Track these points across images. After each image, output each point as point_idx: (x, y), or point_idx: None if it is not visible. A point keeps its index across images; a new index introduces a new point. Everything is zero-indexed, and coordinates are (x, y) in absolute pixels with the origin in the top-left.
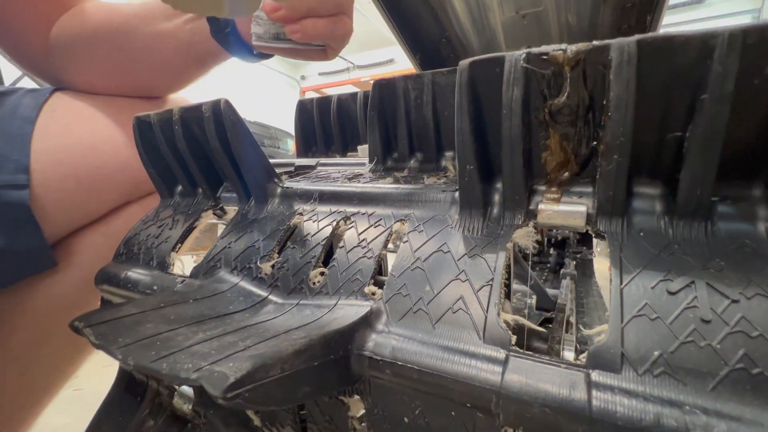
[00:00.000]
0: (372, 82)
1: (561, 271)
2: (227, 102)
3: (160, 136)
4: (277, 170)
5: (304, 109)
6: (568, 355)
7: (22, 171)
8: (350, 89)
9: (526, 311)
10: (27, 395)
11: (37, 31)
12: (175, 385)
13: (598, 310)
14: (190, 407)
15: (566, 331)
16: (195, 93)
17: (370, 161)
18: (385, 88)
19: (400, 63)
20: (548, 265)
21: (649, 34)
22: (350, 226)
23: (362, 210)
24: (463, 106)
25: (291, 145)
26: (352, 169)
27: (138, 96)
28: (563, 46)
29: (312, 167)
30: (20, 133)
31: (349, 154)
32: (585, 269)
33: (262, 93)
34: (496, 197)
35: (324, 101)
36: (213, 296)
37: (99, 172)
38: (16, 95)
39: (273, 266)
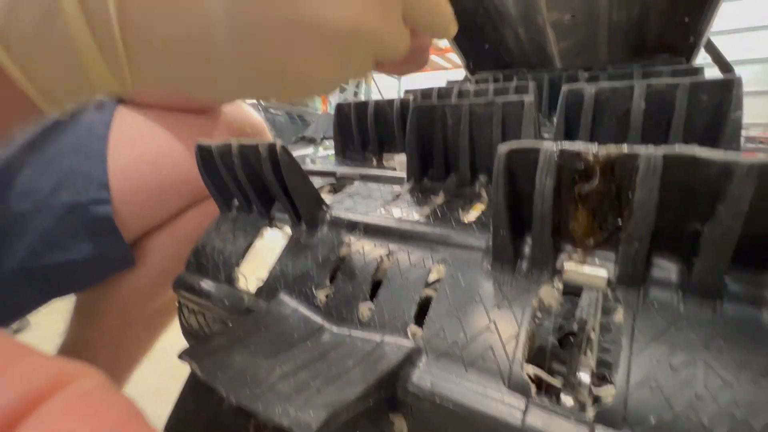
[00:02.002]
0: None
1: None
2: (283, 147)
3: (220, 163)
4: (321, 180)
5: (342, 112)
6: (583, 390)
7: (104, 188)
8: None
9: (549, 340)
10: (118, 367)
11: None
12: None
13: (614, 352)
14: None
15: (580, 369)
16: None
17: (408, 179)
18: (424, 113)
19: None
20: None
21: (676, 151)
22: (393, 263)
23: (403, 248)
24: (499, 184)
25: (319, 103)
26: (391, 187)
27: (189, 109)
28: (594, 148)
29: (352, 179)
30: (98, 152)
31: (384, 154)
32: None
33: None
34: (526, 250)
35: (361, 106)
36: (280, 322)
37: (164, 183)
38: (88, 113)
39: (327, 295)
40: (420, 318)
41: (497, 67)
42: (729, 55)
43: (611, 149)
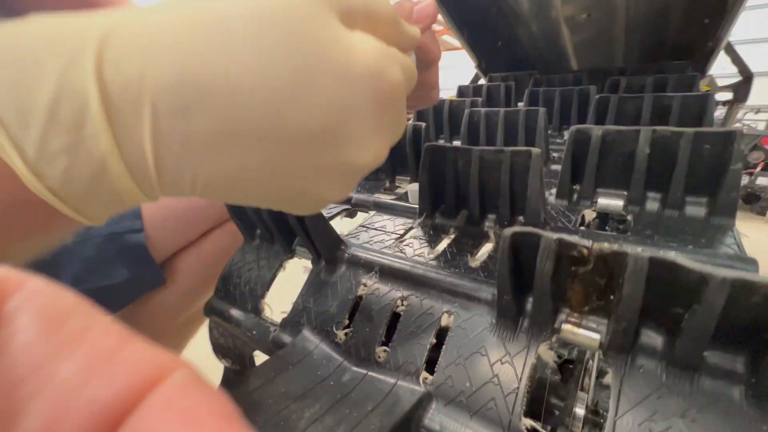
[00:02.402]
0: None
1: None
2: None
3: None
4: (335, 204)
5: None
6: None
7: (137, 217)
8: None
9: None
10: None
11: None
12: None
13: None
14: None
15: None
16: None
17: (420, 214)
18: (436, 154)
19: None
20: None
21: (660, 256)
22: (406, 308)
23: (416, 294)
24: (504, 260)
25: None
26: (404, 218)
27: None
28: (589, 243)
29: (367, 206)
30: None
31: (397, 177)
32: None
33: None
34: (528, 307)
35: None
36: (304, 359)
37: (191, 210)
38: None
39: (346, 334)
40: (430, 362)
41: (510, 67)
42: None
43: (604, 246)
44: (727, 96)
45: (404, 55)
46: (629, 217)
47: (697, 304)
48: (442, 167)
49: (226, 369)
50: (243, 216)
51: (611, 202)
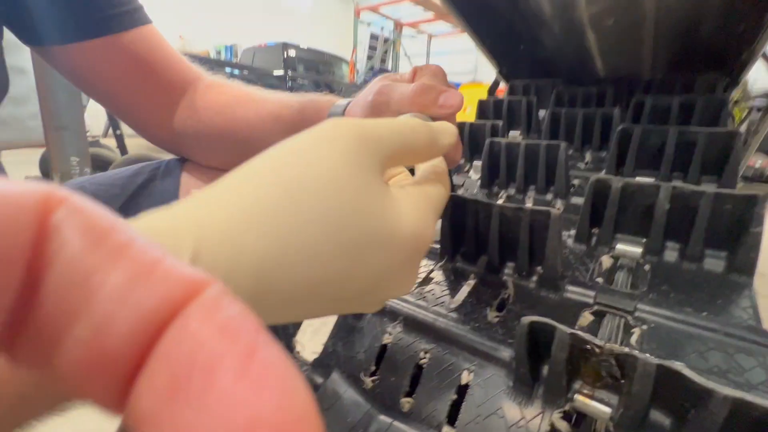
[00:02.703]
0: None
1: None
2: None
3: None
4: None
5: None
6: None
7: None
8: (407, 6)
9: None
10: None
11: (162, 123)
12: None
13: None
14: None
15: None
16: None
17: (441, 257)
18: (457, 204)
19: None
20: None
21: (667, 364)
22: (430, 362)
23: (438, 347)
24: (521, 342)
25: (346, 70)
26: (425, 259)
27: None
28: (601, 342)
29: None
30: None
31: None
32: None
33: (315, 16)
34: (544, 373)
35: None
36: (336, 403)
37: None
38: (158, 181)
39: (373, 381)
40: (452, 414)
41: (533, 73)
42: None
43: (615, 348)
44: (762, 102)
45: (440, 168)
46: (646, 267)
47: (702, 410)
48: (462, 216)
49: None
50: None
51: (629, 248)
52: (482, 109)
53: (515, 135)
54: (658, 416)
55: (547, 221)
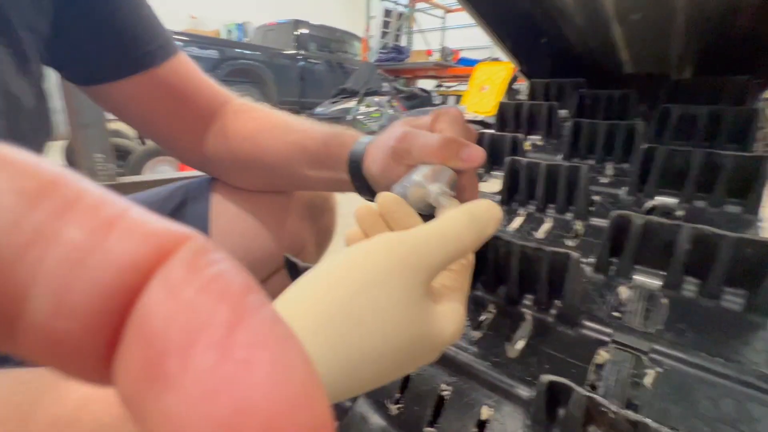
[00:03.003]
0: None
1: None
2: None
3: None
4: None
5: None
6: None
7: None
8: None
9: None
10: None
11: (194, 147)
12: None
13: None
14: None
15: None
16: None
17: None
18: None
19: None
20: None
21: None
22: (451, 396)
23: (459, 380)
24: (540, 405)
25: (359, 48)
26: None
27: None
28: (616, 409)
29: None
30: None
31: None
32: None
33: None
34: (561, 414)
35: None
36: (363, 428)
37: (255, 262)
38: (189, 205)
39: (398, 408)
40: None
41: (555, 71)
42: None
43: (630, 415)
44: None
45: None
46: (664, 300)
47: None
48: (483, 249)
49: None
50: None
51: (647, 281)
52: (502, 112)
53: (535, 140)
54: None
55: (567, 262)
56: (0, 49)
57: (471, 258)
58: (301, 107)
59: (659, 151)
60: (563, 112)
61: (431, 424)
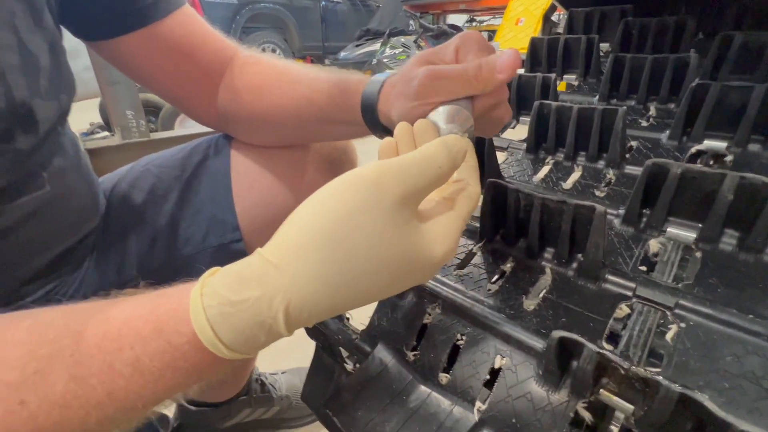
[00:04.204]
0: None
1: None
2: None
3: None
4: None
5: None
6: None
7: (237, 230)
8: None
9: None
10: None
11: (206, 105)
12: None
13: None
14: None
15: None
16: None
17: (480, 237)
18: (498, 191)
19: None
20: None
21: (690, 395)
22: (466, 344)
23: (474, 331)
24: (551, 360)
25: None
26: (464, 239)
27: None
28: (626, 365)
29: None
30: (227, 202)
31: None
32: None
33: None
34: (574, 365)
35: None
36: (382, 372)
37: (276, 216)
38: (210, 160)
39: (414, 355)
40: (486, 386)
41: (598, 0)
42: None
43: (640, 371)
44: None
45: (470, 164)
46: (697, 254)
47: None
48: (503, 202)
49: (317, 345)
50: None
51: (681, 233)
52: (534, 49)
53: (570, 80)
54: (680, 422)
55: (591, 216)
56: (16, 5)
57: (472, 189)
58: (325, 52)
59: (712, 89)
60: (605, 47)
61: (446, 370)
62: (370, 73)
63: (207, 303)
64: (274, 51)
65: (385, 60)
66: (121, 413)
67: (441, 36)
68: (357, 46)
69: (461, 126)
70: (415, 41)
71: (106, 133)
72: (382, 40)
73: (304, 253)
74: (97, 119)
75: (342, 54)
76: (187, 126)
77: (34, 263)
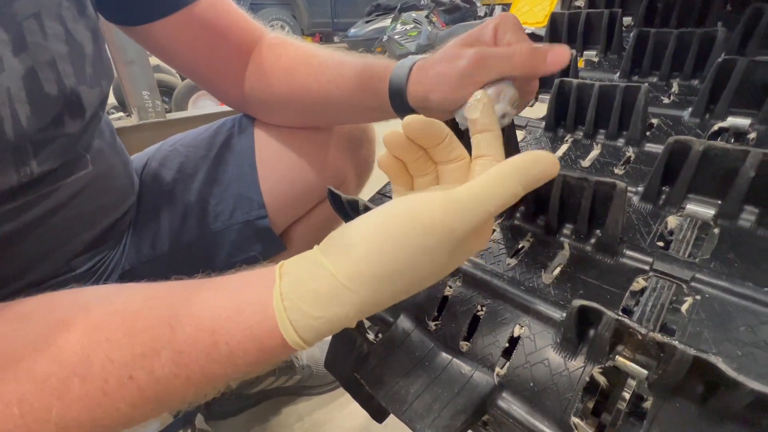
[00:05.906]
0: None
1: None
2: None
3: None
4: None
5: None
6: None
7: (262, 207)
8: None
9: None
10: None
11: (234, 86)
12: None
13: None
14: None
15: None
16: None
17: (500, 215)
18: None
19: None
20: None
21: (704, 357)
22: (486, 313)
23: (494, 303)
24: (571, 322)
25: None
26: None
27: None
28: (644, 330)
29: None
30: (252, 179)
31: None
32: None
33: None
34: (591, 334)
35: None
36: (406, 340)
37: (299, 194)
38: (235, 138)
39: (436, 325)
40: (504, 355)
41: None
42: None
43: (657, 337)
44: None
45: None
46: (716, 230)
47: (730, 393)
48: None
49: None
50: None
51: (701, 209)
52: (554, 24)
53: (591, 56)
54: (691, 384)
55: (612, 192)
56: None
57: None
58: (334, 29)
59: (740, 63)
60: (627, 20)
61: (466, 339)
62: (380, 50)
63: (292, 317)
64: (282, 28)
65: (396, 37)
66: (211, 389)
67: (453, 10)
68: (367, 22)
69: (511, 104)
70: (426, 16)
71: (121, 114)
72: (393, 16)
73: (379, 285)
74: (111, 101)
75: (352, 31)
76: (200, 106)
77: (82, 238)
